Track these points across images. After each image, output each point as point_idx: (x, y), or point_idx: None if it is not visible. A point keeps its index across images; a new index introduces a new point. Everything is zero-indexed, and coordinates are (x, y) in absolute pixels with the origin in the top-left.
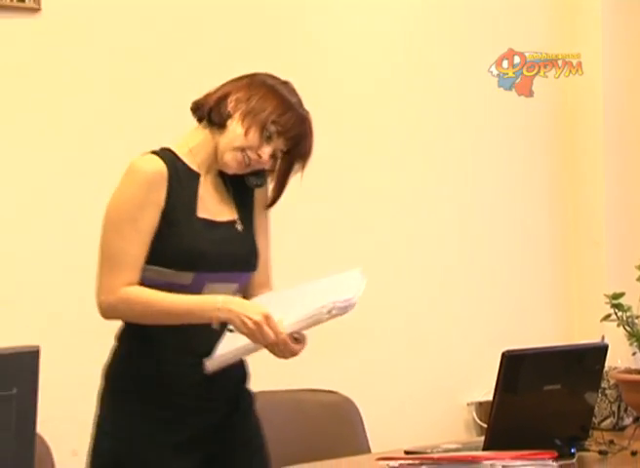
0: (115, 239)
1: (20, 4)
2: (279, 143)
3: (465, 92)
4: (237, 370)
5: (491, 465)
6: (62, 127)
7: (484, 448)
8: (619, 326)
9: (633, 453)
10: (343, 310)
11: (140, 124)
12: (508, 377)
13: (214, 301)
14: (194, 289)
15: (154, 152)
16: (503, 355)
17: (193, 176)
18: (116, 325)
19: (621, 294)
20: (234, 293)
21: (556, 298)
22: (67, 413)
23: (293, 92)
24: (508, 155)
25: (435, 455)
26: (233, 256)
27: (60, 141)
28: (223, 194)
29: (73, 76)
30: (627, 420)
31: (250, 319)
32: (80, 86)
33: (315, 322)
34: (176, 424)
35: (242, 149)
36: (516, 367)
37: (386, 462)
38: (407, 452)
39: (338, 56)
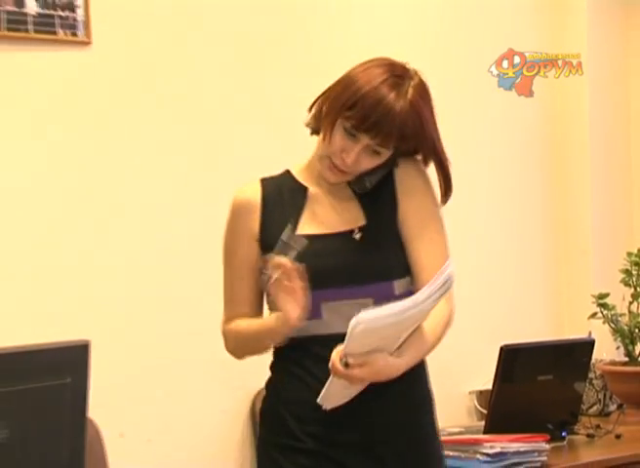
0: (224, 273)
1: (73, 38)
2: (365, 139)
3: (465, 92)
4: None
5: (490, 447)
6: (112, 159)
7: (484, 432)
8: (604, 323)
9: (617, 436)
10: (372, 322)
11: (190, 155)
12: (506, 368)
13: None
14: (309, 312)
15: (264, 178)
16: (501, 348)
17: (300, 192)
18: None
19: (606, 295)
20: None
21: (549, 299)
22: (115, 399)
23: (383, 72)
24: (507, 157)
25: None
26: (342, 269)
27: (112, 171)
28: (345, 203)
29: (123, 108)
30: (612, 407)
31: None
32: (129, 118)
33: (353, 338)
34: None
35: (327, 157)
36: (513, 359)
37: None
38: None
39: (338, 55)
